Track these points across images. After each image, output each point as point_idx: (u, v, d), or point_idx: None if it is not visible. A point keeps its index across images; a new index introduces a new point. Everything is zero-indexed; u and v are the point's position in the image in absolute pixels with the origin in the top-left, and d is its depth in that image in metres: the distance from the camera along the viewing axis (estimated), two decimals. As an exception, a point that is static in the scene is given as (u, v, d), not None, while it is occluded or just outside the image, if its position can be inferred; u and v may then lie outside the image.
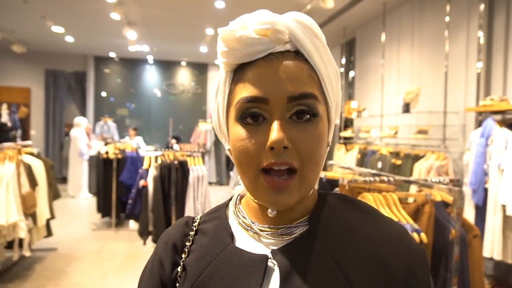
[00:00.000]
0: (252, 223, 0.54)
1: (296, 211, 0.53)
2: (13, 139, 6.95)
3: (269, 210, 0.51)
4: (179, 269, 0.55)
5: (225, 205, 0.61)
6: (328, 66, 0.51)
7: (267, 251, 0.51)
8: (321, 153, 0.49)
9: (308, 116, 0.47)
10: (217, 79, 0.55)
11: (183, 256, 0.56)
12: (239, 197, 0.60)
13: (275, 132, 0.45)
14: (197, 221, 0.60)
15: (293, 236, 0.51)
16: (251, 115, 0.48)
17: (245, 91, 0.48)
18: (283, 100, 0.46)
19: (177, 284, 0.55)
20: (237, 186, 0.62)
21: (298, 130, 0.47)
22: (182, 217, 0.63)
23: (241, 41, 0.47)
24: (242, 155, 0.48)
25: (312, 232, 0.51)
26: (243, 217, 0.55)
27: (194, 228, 0.58)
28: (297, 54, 0.49)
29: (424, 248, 1.47)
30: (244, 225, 0.55)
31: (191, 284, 0.52)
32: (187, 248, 0.56)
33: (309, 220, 0.52)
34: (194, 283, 0.51)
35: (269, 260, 0.50)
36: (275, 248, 0.51)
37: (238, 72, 0.50)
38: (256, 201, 0.54)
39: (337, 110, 0.55)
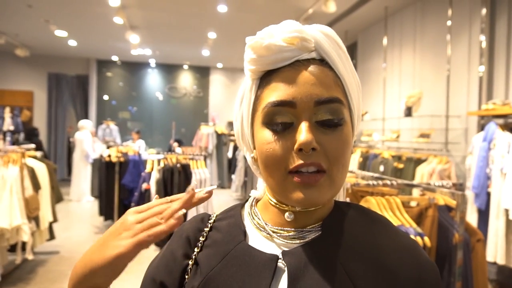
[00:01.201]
0: (266, 224, 0.55)
1: (312, 217, 0.54)
2: (40, 143, 7.10)
3: (287, 214, 0.53)
4: (190, 262, 0.56)
5: (241, 205, 0.62)
6: (350, 76, 0.53)
7: (278, 252, 0.52)
8: (347, 156, 0.50)
9: (335, 123, 0.49)
10: (242, 88, 0.57)
11: (195, 250, 0.57)
12: (255, 200, 0.61)
13: (303, 133, 0.46)
14: (213, 218, 0.61)
15: (305, 240, 0.52)
16: (281, 123, 0.49)
17: (273, 95, 0.49)
18: (310, 104, 0.48)
19: (187, 276, 0.56)
20: (252, 190, 0.63)
21: (325, 134, 0.48)
22: (198, 214, 0.64)
23: (269, 49, 0.49)
24: (269, 158, 0.49)
25: (324, 238, 0.52)
26: (257, 218, 0.57)
27: (209, 225, 0.59)
28: (322, 62, 0.51)
29: (428, 252, 1.47)
30: (258, 226, 0.56)
31: (202, 278, 0.53)
32: (200, 243, 0.57)
33: (322, 226, 0.53)
34: (205, 277, 0.53)
35: (279, 260, 0.51)
36: (286, 249, 0.52)
37: (265, 79, 0.52)
38: (279, 204, 0.54)
39: (359, 119, 0.56)
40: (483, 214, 3.08)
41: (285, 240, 0.53)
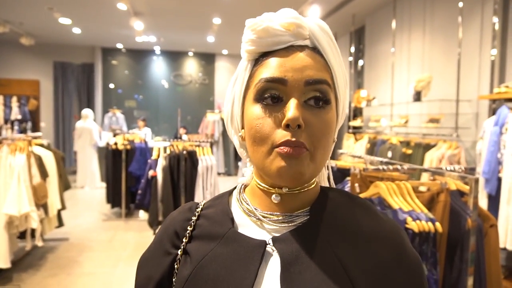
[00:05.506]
0: (255, 209, 0.56)
1: (299, 201, 0.55)
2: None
3: (274, 196, 0.54)
4: (179, 252, 0.58)
5: (229, 192, 0.64)
6: (339, 69, 0.56)
7: (268, 237, 0.53)
8: (329, 139, 0.52)
9: (321, 102, 0.51)
10: (237, 70, 0.58)
11: (184, 240, 0.58)
12: (243, 186, 0.62)
13: (291, 110, 0.48)
14: (200, 206, 0.62)
15: (294, 224, 0.54)
16: (271, 96, 0.51)
17: (266, 72, 0.52)
18: (300, 83, 0.50)
19: (176, 266, 0.57)
20: (240, 177, 0.64)
21: (311, 114, 0.50)
22: (187, 203, 0.65)
23: (267, 31, 0.52)
24: (258, 133, 0.51)
25: (312, 222, 0.54)
26: (246, 204, 0.58)
27: (197, 214, 0.61)
28: (314, 50, 0.54)
29: (439, 237, 1.44)
30: (247, 211, 0.57)
31: (193, 267, 0.54)
32: (188, 233, 0.58)
33: (310, 210, 0.55)
34: (196, 266, 0.54)
35: (268, 245, 0.52)
36: (276, 234, 0.53)
37: (259, 60, 0.54)
38: (262, 185, 0.56)
39: (343, 111, 0.58)
40: (494, 200, 3.03)
41: (275, 224, 0.54)
